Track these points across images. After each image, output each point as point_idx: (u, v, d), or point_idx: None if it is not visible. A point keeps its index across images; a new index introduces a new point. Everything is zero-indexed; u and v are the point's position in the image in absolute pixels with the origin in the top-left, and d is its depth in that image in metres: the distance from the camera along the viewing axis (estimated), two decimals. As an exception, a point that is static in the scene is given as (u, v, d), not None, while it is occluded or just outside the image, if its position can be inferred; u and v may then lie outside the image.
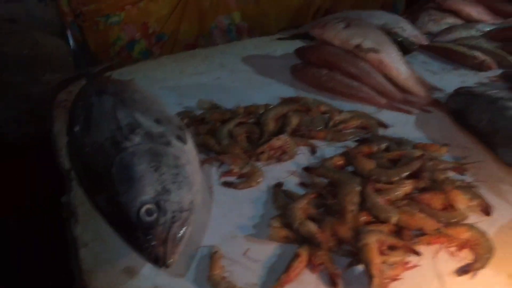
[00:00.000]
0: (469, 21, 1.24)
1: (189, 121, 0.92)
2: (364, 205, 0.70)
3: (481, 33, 1.18)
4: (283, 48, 1.21)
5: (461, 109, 0.88)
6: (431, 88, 1.00)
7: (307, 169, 0.80)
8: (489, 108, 0.84)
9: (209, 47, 1.26)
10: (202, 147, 0.85)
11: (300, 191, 0.76)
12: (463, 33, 1.19)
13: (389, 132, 0.90)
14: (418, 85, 0.99)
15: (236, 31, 1.38)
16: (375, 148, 0.82)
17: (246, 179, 0.80)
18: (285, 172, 0.81)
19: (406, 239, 0.67)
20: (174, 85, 1.09)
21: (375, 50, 0.99)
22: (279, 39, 1.27)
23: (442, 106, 0.94)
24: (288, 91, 1.02)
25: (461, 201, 0.71)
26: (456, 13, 1.26)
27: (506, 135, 0.79)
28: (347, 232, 0.67)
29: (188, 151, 0.74)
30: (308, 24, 1.23)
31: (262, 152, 0.83)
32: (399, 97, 0.97)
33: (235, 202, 0.77)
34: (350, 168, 0.80)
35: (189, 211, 0.66)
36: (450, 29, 1.20)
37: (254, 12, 1.38)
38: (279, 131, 0.88)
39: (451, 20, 1.25)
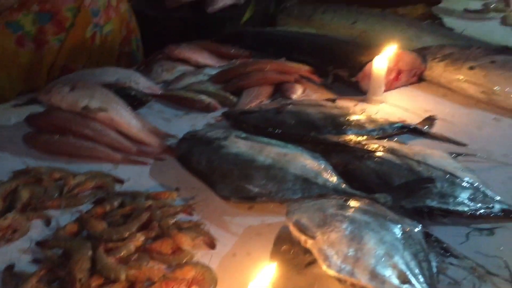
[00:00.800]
0: (198, 67, 1.37)
1: None
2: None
3: (208, 77, 1.32)
4: (18, 115, 1.15)
5: (186, 154, 0.97)
6: (165, 136, 1.08)
7: (38, 243, 0.78)
8: (206, 150, 0.94)
9: None
10: None
11: (35, 269, 0.74)
12: (193, 79, 1.30)
13: (126, 186, 0.94)
14: (151, 135, 1.05)
15: None
16: (108, 207, 0.85)
17: (-29, 270, 0.75)
18: (17, 251, 0.78)
19: (139, 292, 0.70)
20: None
21: (103, 109, 1.02)
22: (15, 106, 1.22)
23: (174, 152, 1.02)
24: (22, 163, 0.98)
25: (186, 242, 0.77)
26: (185, 61, 1.38)
27: (221, 173, 0.89)
28: (78, 302, 0.68)
29: None
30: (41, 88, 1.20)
31: (-11, 236, 0.79)
32: (134, 150, 1.02)
33: (-42, 299, 0.71)
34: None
35: None
36: (181, 76, 1.31)
37: None
38: (8, 209, 0.84)
39: (182, 68, 1.36)
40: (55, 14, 1.31)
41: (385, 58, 1.22)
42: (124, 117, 1.03)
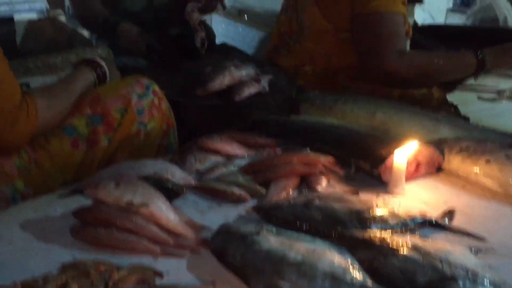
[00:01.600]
0: (229, 157, 1.47)
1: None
2: None
3: (238, 168, 1.41)
4: (63, 206, 1.24)
5: (221, 248, 1.04)
6: (200, 228, 1.15)
7: (87, 338, 0.85)
8: (241, 245, 1.01)
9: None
10: None
11: None
12: (224, 170, 1.40)
13: (165, 280, 1.00)
14: (187, 227, 1.13)
15: (21, 199, 1.36)
16: (150, 301, 0.91)
17: None
18: None
19: None
20: None
21: (145, 204, 1.11)
22: (60, 196, 1.31)
23: (209, 245, 1.08)
24: (69, 255, 1.06)
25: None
26: (217, 152, 1.48)
27: (255, 269, 0.96)
28: None
29: None
30: (85, 180, 1.31)
31: (42, 330, 0.85)
32: (172, 243, 1.09)
33: None
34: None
35: None
36: (213, 167, 1.41)
37: (37, 177, 1.38)
38: (59, 303, 0.91)
39: (214, 158, 1.46)
40: (105, 115, 1.45)
41: (405, 152, 1.30)
42: (163, 211, 1.12)
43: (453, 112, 1.86)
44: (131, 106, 1.47)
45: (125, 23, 2.29)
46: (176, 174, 1.34)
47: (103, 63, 1.58)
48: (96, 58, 1.61)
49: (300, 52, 2.17)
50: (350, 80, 2.19)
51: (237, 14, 3.32)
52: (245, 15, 3.23)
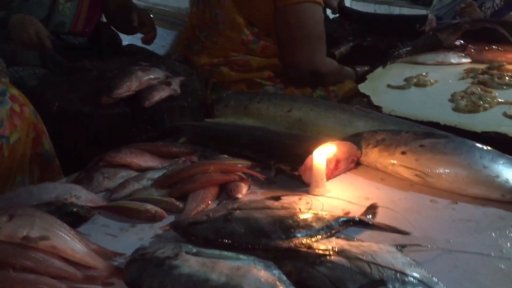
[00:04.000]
0: (141, 171, 1.36)
1: None
2: None
3: (151, 181, 1.30)
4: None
5: (135, 279, 0.94)
6: (112, 255, 1.04)
7: None
8: (158, 272, 0.92)
9: None
10: None
11: None
12: (136, 185, 1.28)
13: (75, 321, 0.89)
14: (97, 257, 1.01)
15: None
16: None
17: None
18: None
19: None
20: None
21: (44, 237, 0.98)
22: None
23: (123, 275, 0.98)
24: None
25: None
26: (127, 166, 1.36)
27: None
28: None
29: None
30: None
31: None
32: (80, 277, 0.97)
33: None
34: None
35: None
36: (124, 184, 1.29)
37: None
38: None
39: (124, 174, 1.34)
40: None
41: (323, 151, 1.26)
42: (67, 242, 0.99)
43: (366, 102, 1.87)
44: None
45: (18, 15, 1.93)
46: (82, 196, 1.21)
47: None
48: None
49: (213, 49, 2.09)
50: (268, 79, 2.15)
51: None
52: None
